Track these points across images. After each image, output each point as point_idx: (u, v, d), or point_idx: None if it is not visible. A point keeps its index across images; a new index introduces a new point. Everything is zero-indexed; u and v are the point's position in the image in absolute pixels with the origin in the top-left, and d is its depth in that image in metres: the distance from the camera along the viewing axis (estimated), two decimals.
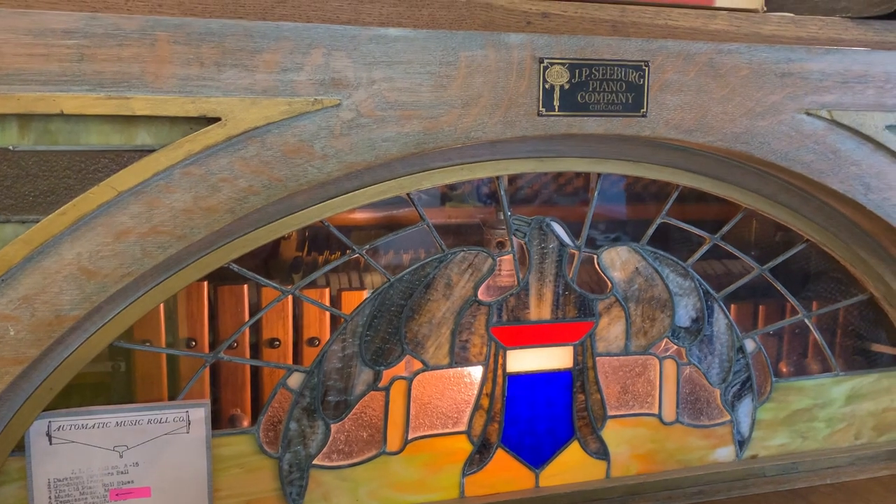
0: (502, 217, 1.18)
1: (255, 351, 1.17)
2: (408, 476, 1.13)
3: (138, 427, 0.99)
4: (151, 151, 0.84)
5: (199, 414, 1.01)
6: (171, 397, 1.11)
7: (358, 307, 1.06)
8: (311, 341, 1.14)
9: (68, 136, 0.83)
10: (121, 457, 0.99)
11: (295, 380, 1.05)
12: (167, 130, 0.85)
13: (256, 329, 1.17)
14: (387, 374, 1.10)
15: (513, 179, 1.34)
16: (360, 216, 1.23)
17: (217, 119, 0.85)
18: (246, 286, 1.10)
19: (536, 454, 1.19)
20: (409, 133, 0.92)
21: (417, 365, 1.11)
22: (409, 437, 1.12)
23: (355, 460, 1.10)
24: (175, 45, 0.82)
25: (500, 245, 1.17)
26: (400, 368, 1.10)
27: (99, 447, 0.98)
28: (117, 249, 0.84)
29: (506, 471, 1.17)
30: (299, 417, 1.06)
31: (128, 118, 0.84)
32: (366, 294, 1.13)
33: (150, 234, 0.85)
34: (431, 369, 1.11)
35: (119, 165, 0.84)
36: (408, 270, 1.07)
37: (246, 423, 1.15)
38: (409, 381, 1.11)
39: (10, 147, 0.81)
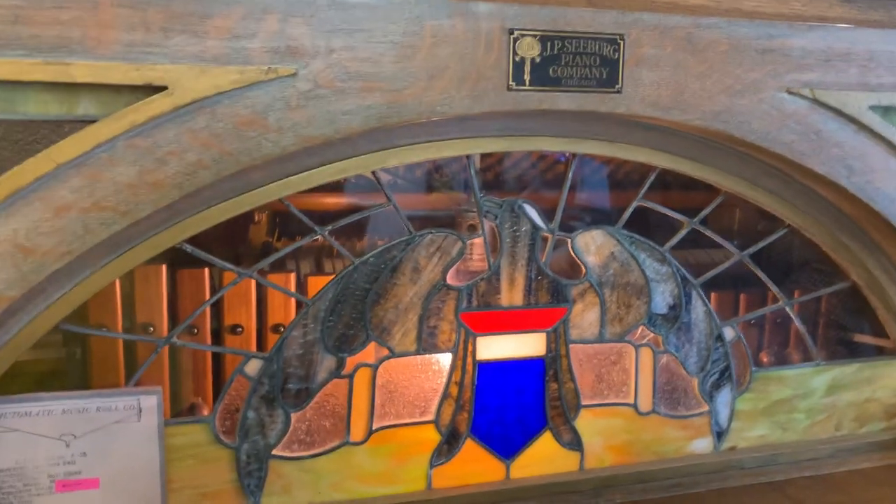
0: (473, 199, 1.14)
1: (217, 337, 1.12)
2: (373, 467, 1.08)
3: (86, 415, 0.94)
4: (94, 122, 0.79)
5: (152, 402, 0.96)
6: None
7: (320, 291, 1.02)
8: (276, 328, 1.10)
9: (3, 104, 0.78)
10: (67, 446, 0.94)
11: (253, 367, 1.01)
12: (111, 100, 0.80)
13: (218, 315, 1.13)
14: (351, 362, 1.05)
15: (493, 165, 1.30)
16: (330, 201, 1.18)
17: (164, 88, 0.80)
18: (207, 270, 1.05)
19: (507, 445, 1.14)
20: (370, 106, 0.87)
21: (383, 352, 1.06)
22: (374, 426, 1.07)
23: (317, 451, 1.06)
24: (119, 9, 0.77)
25: (472, 228, 1.13)
26: (365, 355, 1.06)
27: (44, 436, 0.93)
28: (57, 226, 0.79)
29: (475, 462, 1.13)
30: (258, 406, 1.02)
31: (68, 86, 0.79)
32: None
33: (93, 209, 0.80)
34: (398, 356, 1.07)
35: (59, 136, 0.79)
36: (373, 253, 1.03)
37: (206, 411, 1.11)
38: (374, 368, 1.06)
39: None
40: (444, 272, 1.06)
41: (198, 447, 1.00)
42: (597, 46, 0.94)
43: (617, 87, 0.95)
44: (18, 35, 0.75)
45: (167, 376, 1.04)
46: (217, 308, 1.06)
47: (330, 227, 1.00)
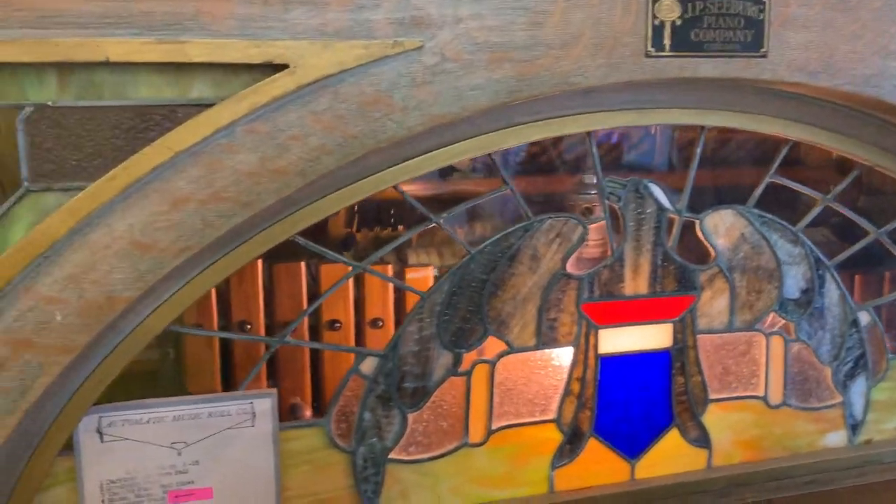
0: (588, 181, 1.06)
1: (315, 334, 1.06)
2: (492, 470, 1.01)
3: (198, 421, 0.88)
4: (209, 105, 0.73)
5: (266, 405, 0.90)
6: (226, 388, 1.01)
7: (436, 284, 0.95)
8: (375, 323, 1.03)
9: (115, 88, 0.72)
10: (179, 454, 0.89)
11: (368, 365, 0.94)
12: (226, 81, 0.74)
13: (315, 311, 1.06)
14: (467, 358, 0.98)
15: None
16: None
17: (284, 66, 0.73)
18: (303, 263, 0.99)
19: (632, 443, 1.07)
20: (500, 80, 0.79)
21: (500, 347, 0.99)
22: (493, 426, 1.00)
23: (435, 453, 0.99)
24: None
25: (587, 211, 1.05)
26: (482, 352, 0.98)
27: (155, 444, 0.88)
28: (174, 219, 0.73)
29: (598, 462, 1.06)
30: (374, 406, 0.95)
31: (181, 67, 0.72)
32: (430, 271, 1.03)
33: (212, 201, 0.74)
34: (516, 351, 0.99)
35: (173, 122, 0.73)
36: (489, 241, 0.95)
37: (308, 412, 1.05)
38: (493, 364, 0.99)
39: (50, 103, 0.70)
40: (564, 260, 0.98)
41: (313, 452, 0.94)
42: (741, 7, 0.85)
43: (762, 50, 0.87)
44: (129, 12, 0.69)
45: (264, 377, 0.98)
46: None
47: (445, 215, 0.93)
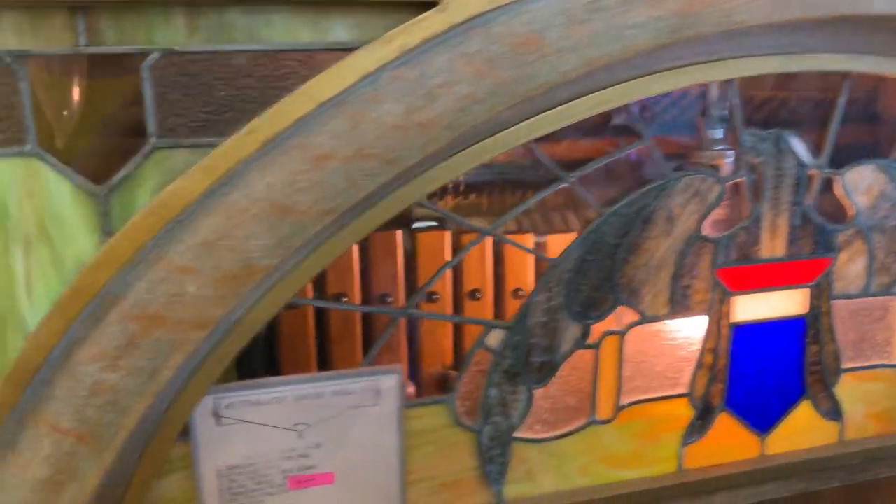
0: (713, 135, 0.99)
1: (456, 306, 1.00)
2: (621, 448, 0.95)
3: (321, 401, 0.82)
4: (348, 50, 0.65)
5: (391, 382, 0.83)
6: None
7: (566, 249, 0.87)
8: (516, 293, 0.96)
9: (246, 31, 0.64)
10: (300, 437, 0.82)
11: (495, 338, 0.87)
12: (368, 22, 0.66)
13: (456, 281, 1.00)
14: (596, 330, 0.91)
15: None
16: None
17: (433, 3, 0.65)
18: (449, 233, 0.92)
19: (763, 417, 1.00)
20: (661, 17, 0.71)
21: (630, 318, 0.92)
22: (622, 402, 0.93)
23: (561, 431, 0.92)
24: None
25: (714, 169, 0.97)
26: (610, 322, 0.91)
27: (276, 426, 0.81)
28: (316, 179, 0.65)
29: (728, 437, 0.99)
30: (500, 382, 0.88)
31: (319, 6, 0.65)
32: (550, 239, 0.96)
33: (356, 157, 0.66)
34: (648, 321, 0.92)
35: (310, 69, 0.65)
36: (622, 203, 0.88)
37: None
38: (622, 336, 0.92)
39: (177, 48, 0.63)
40: (700, 221, 0.91)
41: (437, 431, 0.87)
42: None
43: None
44: None
45: (404, 352, 0.91)
46: (456, 273, 0.93)
47: (578, 174, 0.85)
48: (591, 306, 0.89)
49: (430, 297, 0.99)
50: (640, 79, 0.82)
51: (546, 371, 0.90)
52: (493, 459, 0.90)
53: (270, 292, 0.74)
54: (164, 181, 0.64)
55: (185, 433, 0.78)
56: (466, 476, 0.89)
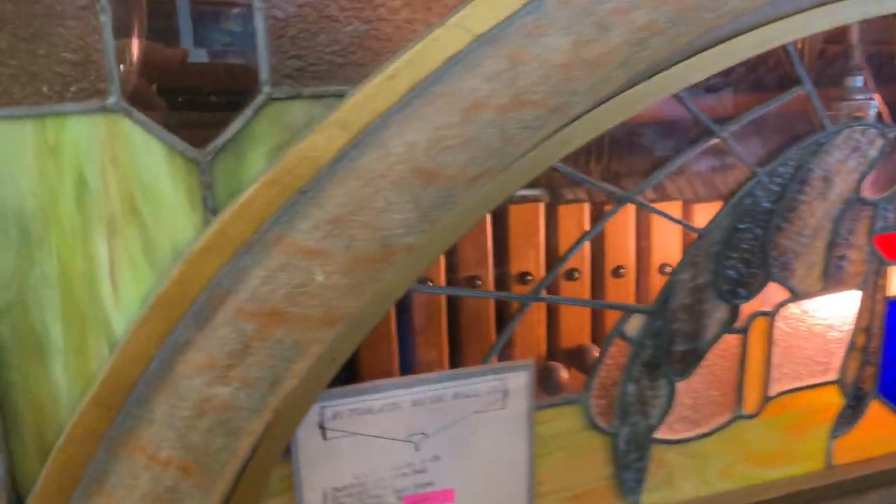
0: (857, 84, 0.86)
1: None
2: (765, 445, 0.83)
3: (440, 405, 0.69)
4: None
5: (520, 380, 0.70)
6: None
7: (715, 218, 0.74)
8: (662, 268, 0.83)
9: None
10: (417, 449, 0.69)
11: (634, 325, 0.74)
12: None
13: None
14: (743, 311, 0.78)
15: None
16: None
17: None
18: (588, 204, 0.78)
19: None
20: None
21: (778, 295, 0.79)
22: (771, 393, 0.81)
23: (704, 430, 0.80)
24: None
25: (856, 119, 0.84)
26: (756, 302, 0.79)
27: (389, 438, 0.68)
28: (466, 134, 0.52)
29: (879, 427, 0.87)
30: (639, 376, 0.76)
31: None
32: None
33: (512, 106, 0.53)
34: (799, 299, 0.80)
35: None
36: (778, 160, 0.75)
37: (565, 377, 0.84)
38: (772, 317, 0.79)
39: None
40: (860, 181, 0.78)
41: (569, 436, 0.75)
42: None
43: None
44: None
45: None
46: (596, 248, 0.80)
47: (731, 126, 0.72)
48: (740, 283, 0.77)
49: (571, 276, 0.85)
50: (802, 13, 0.69)
51: (689, 361, 0.77)
52: (630, 465, 0.77)
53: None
54: (280, 142, 0.50)
55: (286, 450, 0.65)
56: (600, 485, 0.77)
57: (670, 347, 0.76)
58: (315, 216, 0.50)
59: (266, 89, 0.49)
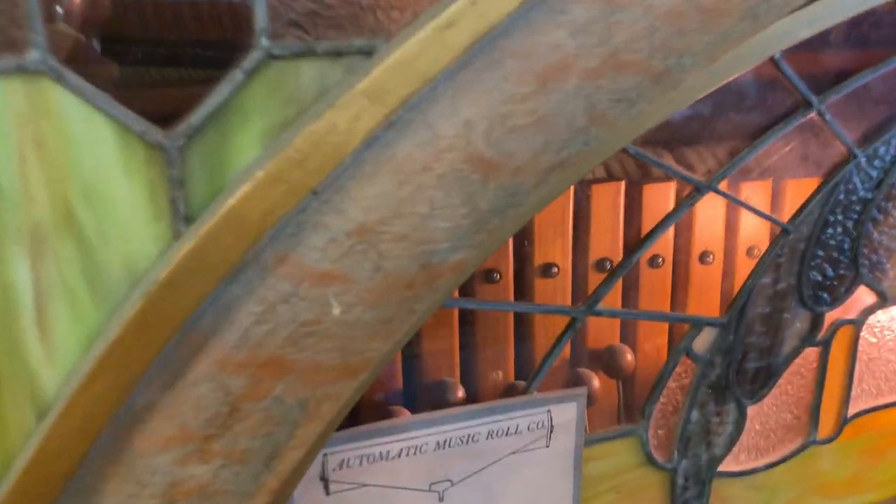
0: None
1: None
2: (838, 473, 0.71)
3: (470, 447, 0.55)
4: None
5: (569, 413, 0.57)
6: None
7: (803, 209, 0.61)
8: (751, 251, 0.69)
9: None
10: (441, 500, 0.56)
11: (703, 340, 0.61)
12: None
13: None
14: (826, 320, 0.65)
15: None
16: None
17: None
18: (674, 183, 0.64)
19: None
20: None
21: (861, 302, 0.66)
22: (849, 413, 0.69)
23: (773, 458, 0.67)
24: None
25: None
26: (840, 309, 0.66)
27: (408, 488, 0.54)
28: (542, 109, 0.37)
29: None
30: (704, 400, 0.62)
31: None
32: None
33: (604, 70, 0.38)
34: (891, 304, 0.67)
35: None
36: (882, 139, 0.61)
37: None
38: (859, 326, 0.66)
39: None
40: None
41: (623, 474, 0.62)
42: None
43: None
44: None
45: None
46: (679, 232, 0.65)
47: (830, 95, 0.58)
48: (825, 288, 0.64)
49: (653, 263, 0.70)
50: None
51: (762, 380, 0.64)
52: (688, 503, 0.64)
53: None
54: (283, 119, 0.35)
55: None
56: None
57: (742, 365, 0.63)
58: (332, 227, 0.35)
59: (263, 42, 0.34)
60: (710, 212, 0.65)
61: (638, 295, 0.68)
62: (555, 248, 0.66)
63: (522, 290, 0.67)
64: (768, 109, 0.59)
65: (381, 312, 0.37)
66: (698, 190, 0.56)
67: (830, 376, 0.67)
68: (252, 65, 0.34)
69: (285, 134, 0.35)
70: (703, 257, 0.66)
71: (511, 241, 0.65)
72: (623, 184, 0.62)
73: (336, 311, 0.36)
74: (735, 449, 0.65)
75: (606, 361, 0.71)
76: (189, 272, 0.34)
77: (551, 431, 0.57)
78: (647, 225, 0.61)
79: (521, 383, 0.62)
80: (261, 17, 0.34)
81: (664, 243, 0.66)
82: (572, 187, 0.62)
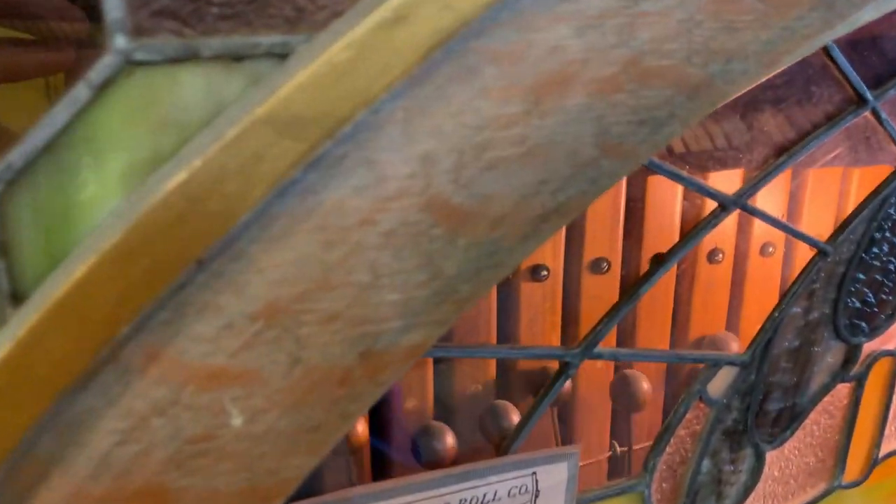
0: None
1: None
2: None
3: None
4: None
5: (560, 475, 0.47)
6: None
7: (845, 226, 0.50)
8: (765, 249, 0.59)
9: None
10: None
11: (719, 382, 0.51)
12: None
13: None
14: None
15: None
16: None
17: None
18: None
19: None
20: None
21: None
22: (881, 454, 0.60)
23: None
24: None
25: None
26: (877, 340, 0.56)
27: None
28: (533, 136, 0.26)
29: None
30: (718, 448, 0.53)
31: None
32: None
33: (623, 81, 0.27)
34: None
35: None
36: None
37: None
38: None
39: None
40: None
41: None
42: None
43: None
44: None
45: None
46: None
47: (884, 93, 0.47)
48: (864, 315, 0.54)
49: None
50: None
51: (785, 422, 0.54)
52: None
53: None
54: (154, 153, 0.24)
55: None
56: None
57: (763, 407, 0.53)
58: (228, 309, 0.24)
59: (118, 42, 0.22)
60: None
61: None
62: (544, 246, 0.56)
63: (507, 295, 0.57)
64: (813, 106, 0.48)
65: (304, 418, 0.27)
66: (724, 207, 0.46)
67: (862, 414, 0.57)
68: (103, 75, 0.23)
69: (158, 176, 0.23)
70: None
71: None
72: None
73: (237, 421, 0.26)
74: (750, 499, 0.56)
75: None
76: (17, 375, 0.23)
77: (537, 496, 0.47)
78: (651, 221, 0.51)
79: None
80: (113, 3, 0.22)
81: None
82: None
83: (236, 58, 0.24)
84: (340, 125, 0.23)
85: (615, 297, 0.54)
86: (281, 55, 0.24)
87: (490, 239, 0.27)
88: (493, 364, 0.55)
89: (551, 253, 0.53)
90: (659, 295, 0.49)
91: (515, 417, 0.54)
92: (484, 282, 0.28)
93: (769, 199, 0.54)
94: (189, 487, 0.26)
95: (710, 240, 0.55)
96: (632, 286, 0.45)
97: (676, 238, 0.54)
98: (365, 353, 0.27)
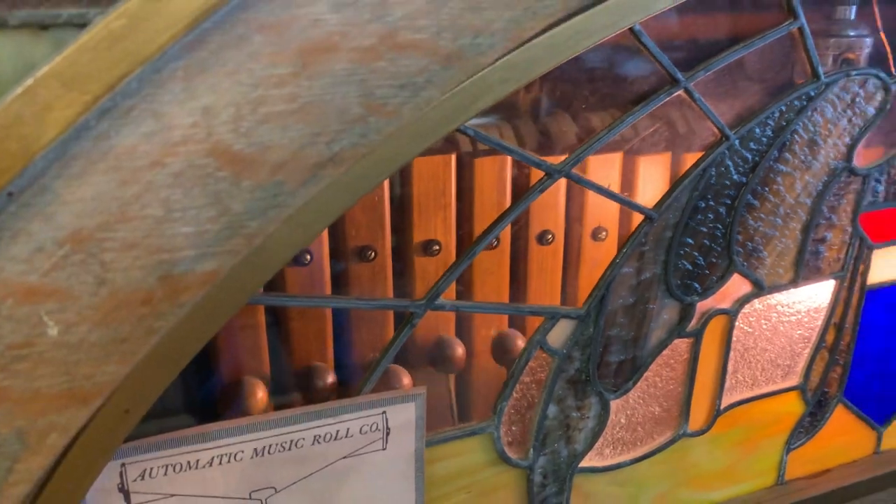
0: (843, 15, 0.68)
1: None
2: (712, 464, 0.68)
3: (295, 453, 0.50)
4: None
5: (407, 414, 0.52)
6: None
7: (670, 194, 0.56)
8: (597, 234, 0.65)
9: None
10: None
11: (559, 333, 0.57)
12: None
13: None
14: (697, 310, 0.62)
15: None
16: None
17: None
18: (510, 158, 0.59)
19: (882, 405, 0.75)
20: None
21: (739, 289, 0.63)
22: (723, 404, 0.66)
23: (639, 453, 0.64)
24: None
25: (846, 63, 0.67)
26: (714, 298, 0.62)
27: (223, 497, 0.50)
28: (304, 95, 0.32)
29: (841, 434, 0.74)
30: (563, 396, 0.59)
31: None
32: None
33: (381, 51, 0.32)
34: (767, 293, 0.63)
35: None
36: (757, 120, 0.57)
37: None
38: (734, 315, 0.63)
39: None
40: (854, 145, 0.61)
41: (473, 474, 0.58)
42: None
43: None
44: None
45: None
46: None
47: (696, 75, 0.53)
48: (696, 277, 0.60)
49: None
50: None
51: (626, 373, 0.60)
52: (547, 500, 0.61)
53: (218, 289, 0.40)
54: None
55: None
56: None
57: (604, 359, 0.59)
58: (38, 235, 0.29)
59: None
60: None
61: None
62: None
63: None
64: (632, 84, 0.54)
65: (113, 332, 0.32)
66: (550, 175, 0.51)
67: (703, 367, 0.63)
68: None
69: None
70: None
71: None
72: (454, 157, 0.57)
73: (52, 331, 0.31)
74: (599, 443, 0.62)
75: (436, 356, 0.64)
76: None
77: (388, 434, 0.52)
78: (480, 201, 0.57)
79: None
80: None
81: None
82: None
83: (42, 26, 0.29)
84: (119, 80, 0.28)
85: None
86: (80, 24, 0.29)
87: (272, 182, 0.32)
88: None
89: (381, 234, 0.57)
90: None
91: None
92: (270, 219, 0.33)
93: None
94: (12, 387, 0.31)
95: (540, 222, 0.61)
96: (475, 243, 0.51)
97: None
98: (164, 278, 0.32)
